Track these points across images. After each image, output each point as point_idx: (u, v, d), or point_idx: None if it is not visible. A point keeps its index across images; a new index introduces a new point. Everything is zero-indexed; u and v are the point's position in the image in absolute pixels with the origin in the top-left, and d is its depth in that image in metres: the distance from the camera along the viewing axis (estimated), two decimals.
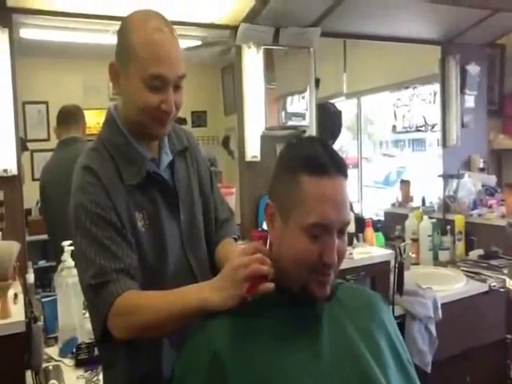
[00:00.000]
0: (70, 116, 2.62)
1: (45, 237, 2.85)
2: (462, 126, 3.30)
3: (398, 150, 3.92)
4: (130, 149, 1.22)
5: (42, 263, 2.75)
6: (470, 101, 3.33)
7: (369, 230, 2.64)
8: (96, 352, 1.70)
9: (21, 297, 1.64)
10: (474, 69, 3.30)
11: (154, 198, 1.22)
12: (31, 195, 3.00)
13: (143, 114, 1.17)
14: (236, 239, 1.43)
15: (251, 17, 2.48)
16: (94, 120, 3.37)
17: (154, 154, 1.26)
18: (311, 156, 1.01)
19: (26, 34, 2.43)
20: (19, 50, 2.24)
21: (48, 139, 3.28)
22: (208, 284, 1.08)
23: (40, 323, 1.63)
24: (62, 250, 1.88)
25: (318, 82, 2.90)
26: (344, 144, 3.81)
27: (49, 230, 2.49)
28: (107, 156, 1.20)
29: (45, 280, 2.32)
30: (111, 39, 2.31)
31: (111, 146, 1.21)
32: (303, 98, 2.86)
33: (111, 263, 1.10)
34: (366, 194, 3.77)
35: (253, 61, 2.62)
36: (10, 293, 1.57)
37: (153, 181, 1.22)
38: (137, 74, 1.14)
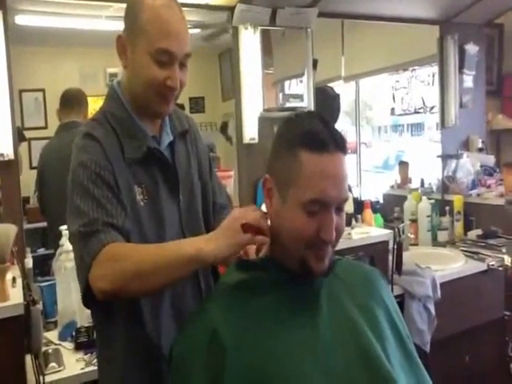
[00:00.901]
0: (72, 100, 2.61)
1: (44, 225, 2.85)
2: (461, 106, 3.29)
3: (396, 134, 3.91)
4: (133, 124, 1.22)
5: (41, 251, 2.75)
6: (468, 81, 3.31)
7: (367, 212, 2.64)
8: (95, 335, 1.72)
9: (19, 281, 1.64)
10: (472, 48, 3.28)
11: (153, 174, 1.22)
12: (29, 183, 2.99)
13: (148, 88, 1.17)
14: None
15: None
16: (91, 107, 3.33)
17: (155, 133, 1.26)
18: (311, 132, 1.00)
19: (21, 20, 2.42)
20: (15, 37, 2.23)
21: (45, 127, 3.26)
22: (204, 236, 1.09)
23: (39, 306, 1.63)
24: (59, 236, 1.88)
25: (315, 62, 2.88)
26: (343, 129, 3.79)
27: (46, 215, 2.48)
28: (109, 128, 1.20)
29: (44, 267, 2.32)
30: (105, 25, 2.33)
31: (114, 119, 1.21)
32: (301, 81, 2.85)
33: (103, 217, 1.08)
34: (365, 178, 3.76)
35: (250, 42, 2.60)
36: (9, 276, 1.57)
37: (153, 157, 1.22)
38: (144, 48, 1.15)
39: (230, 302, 1.02)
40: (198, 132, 1.43)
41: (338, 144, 1.00)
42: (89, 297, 1.07)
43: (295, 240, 1.00)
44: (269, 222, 1.06)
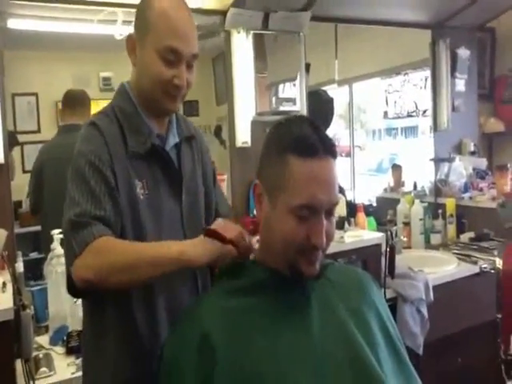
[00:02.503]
0: (75, 101, 2.63)
1: (36, 229, 2.84)
2: (453, 109, 3.30)
3: (390, 137, 3.92)
4: (139, 120, 1.24)
5: (34, 255, 2.74)
6: (460, 84, 3.33)
7: (360, 215, 2.64)
8: None
9: (9, 285, 1.63)
10: (464, 52, 3.29)
11: (155, 171, 1.23)
12: (22, 187, 2.98)
13: (155, 85, 1.20)
14: None
15: (240, 1, 2.46)
16: None
17: (161, 132, 1.28)
18: (300, 137, 1.00)
19: (13, 24, 2.41)
20: (8, 41, 2.23)
21: (38, 131, 3.25)
22: (191, 240, 1.12)
23: (29, 311, 1.63)
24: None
25: (308, 66, 2.89)
26: (337, 132, 3.80)
27: (41, 217, 2.48)
28: (115, 120, 1.23)
29: (36, 272, 2.31)
30: (97, 29, 2.33)
31: (121, 114, 1.24)
32: (294, 85, 2.86)
33: (96, 210, 1.11)
34: (359, 181, 3.77)
35: (242, 46, 2.60)
36: None
37: (156, 155, 1.24)
38: (152, 45, 1.18)
39: (220, 304, 1.02)
40: (206, 145, 1.45)
41: (328, 149, 1.00)
42: (72, 285, 1.11)
43: (285, 245, 1.00)
44: (253, 240, 1.11)
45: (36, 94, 3.28)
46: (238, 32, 2.57)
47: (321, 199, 0.98)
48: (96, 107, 3.36)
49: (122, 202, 1.17)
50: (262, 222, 1.07)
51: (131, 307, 1.18)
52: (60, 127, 2.60)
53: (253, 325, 0.98)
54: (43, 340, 1.81)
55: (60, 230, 1.76)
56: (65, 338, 1.74)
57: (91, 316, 1.25)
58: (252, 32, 2.61)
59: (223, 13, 2.52)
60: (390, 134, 3.91)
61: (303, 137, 0.99)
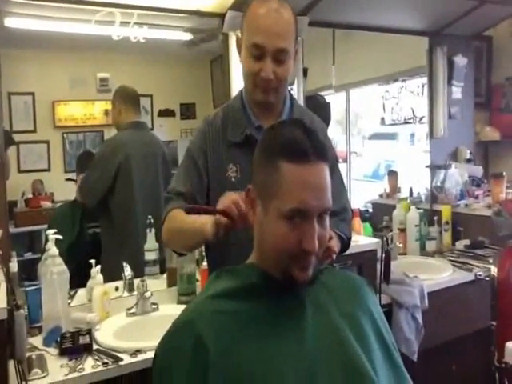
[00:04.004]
0: (136, 99, 2.69)
1: (31, 228, 2.83)
2: (450, 117, 3.31)
3: (387, 143, 3.94)
4: (242, 113, 1.48)
5: (28, 255, 2.72)
6: (457, 92, 3.34)
7: (356, 220, 2.64)
8: (81, 340, 1.70)
9: (3, 285, 1.61)
10: (461, 60, 3.30)
11: (249, 158, 1.24)
12: (18, 187, 2.97)
13: (248, 79, 1.42)
14: (342, 238, 1.47)
15: (238, 4, 2.46)
16: (81, 112, 3.33)
17: (267, 123, 1.42)
18: (291, 142, 0.99)
19: (11, 23, 2.41)
20: (5, 40, 2.22)
21: (34, 131, 3.24)
22: None
23: (23, 311, 1.61)
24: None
25: (305, 71, 2.89)
26: (333, 138, 3.80)
27: (111, 211, 2.49)
28: (221, 116, 1.50)
29: (31, 272, 2.30)
30: (95, 29, 2.32)
31: (230, 109, 1.51)
32: (291, 89, 2.86)
33: (178, 187, 1.46)
34: (355, 187, 3.77)
35: None
36: None
37: (251, 144, 1.34)
38: (245, 43, 1.39)
39: (214, 308, 1.01)
40: (327, 140, 1.60)
41: (319, 154, 0.99)
42: None
43: (278, 251, 1.00)
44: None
45: (32, 94, 3.27)
46: (236, 35, 2.57)
47: (312, 204, 0.97)
48: (93, 108, 3.36)
49: (212, 182, 1.46)
50: (255, 227, 1.07)
51: None
52: (128, 123, 2.63)
53: (245, 328, 0.98)
54: (36, 341, 1.79)
55: (54, 231, 1.79)
56: (58, 339, 1.73)
57: None
58: None
59: (221, 16, 2.52)
60: (387, 140, 3.93)
61: (294, 141, 0.99)
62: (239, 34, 1.47)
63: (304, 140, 0.99)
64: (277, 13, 1.36)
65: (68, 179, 2.78)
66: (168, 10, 2.41)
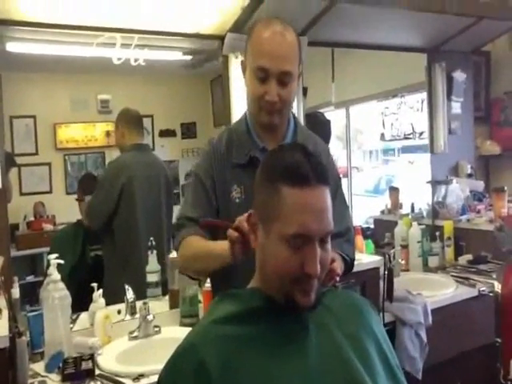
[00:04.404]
0: (139, 121, 2.73)
1: (33, 251, 2.83)
2: (450, 132, 3.31)
3: (387, 158, 3.94)
4: (246, 136, 1.50)
5: (30, 278, 2.73)
6: (456, 107, 3.35)
7: (358, 238, 2.63)
8: (83, 366, 1.69)
9: (5, 312, 1.61)
10: (460, 76, 3.32)
11: (253, 177, 1.24)
12: (19, 210, 2.99)
13: (253, 102, 1.44)
14: (345, 260, 1.48)
15: (238, 27, 2.48)
16: (82, 133, 3.37)
17: (271, 145, 1.44)
18: (292, 166, 1.00)
19: (12, 47, 2.43)
20: (6, 64, 2.24)
21: (36, 153, 3.27)
22: None
23: (25, 338, 1.61)
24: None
25: (305, 90, 2.91)
26: (334, 154, 3.81)
27: (115, 230, 2.51)
28: (226, 137, 1.52)
29: (33, 295, 2.29)
30: (96, 52, 2.34)
31: (234, 131, 1.53)
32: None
33: (189, 213, 1.47)
34: (356, 203, 3.77)
35: (240, 71, 2.61)
36: None
37: (255, 166, 1.30)
38: (250, 66, 1.41)
39: (217, 333, 1.00)
40: (331, 161, 1.62)
41: (320, 177, 1.00)
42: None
43: (280, 275, 1.00)
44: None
45: (34, 117, 3.30)
46: (236, 57, 2.58)
47: (313, 228, 0.97)
48: (94, 129, 3.39)
49: (219, 203, 1.48)
50: (257, 251, 1.07)
51: None
52: (131, 145, 2.65)
53: (248, 352, 0.97)
54: (38, 367, 1.77)
55: (56, 255, 1.78)
56: (60, 364, 1.72)
57: None
58: None
59: (221, 38, 2.54)
60: (387, 155, 3.94)
61: (295, 165, 0.99)
62: (243, 58, 1.49)
63: (304, 164, 0.99)
64: (281, 36, 1.38)
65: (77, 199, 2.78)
66: (168, 33, 2.44)
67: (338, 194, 1.54)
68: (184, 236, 1.44)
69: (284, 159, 1.02)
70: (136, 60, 2.39)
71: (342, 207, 1.55)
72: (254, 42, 1.41)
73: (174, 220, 1.54)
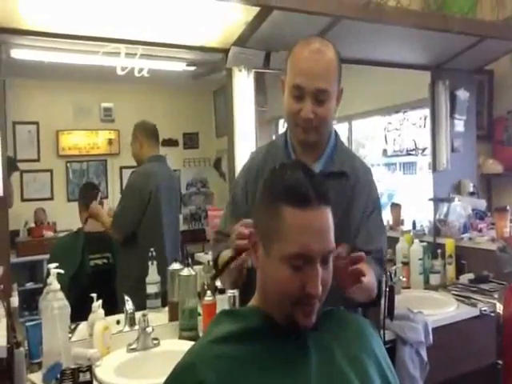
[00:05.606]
0: (157, 134, 2.80)
1: (33, 258, 2.81)
2: (452, 150, 3.31)
3: (389, 172, 3.93)
4: (282, 149, 1.55)
5: (30, 285, 2.71)
6: (459, 125, 3.35)
7: None
8: (81, 377, 1.67)
9: (3, 321, 1.59)
10: (463, 94, 3.32)
11: None
12: (20, 216, 2.97)
13: (289, 119, 1.47)
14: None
15: (242, 40, 2.49)
16: (85, 141, 3.36)
17: (308, 160, 1.44)
18: (293, 186, 0.99)
19: (16, 54, 2.43)
20: (10, 70, 2.24)
21: (38, 160, 3.26)
22: None
23: (23, 349, 1.59)
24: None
25: None
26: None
27: (139, 239, 2.54)
28: (265, 149, 1.62)
29: (32, 302, 2.28)
30: (102, 60, 2.35)
31: (272, 144, 1.62)
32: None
33: (226, 228, 1.51)
34: None
35: (244, 84, 2.62)
36: None
37: None
38: (288, 84, 1.44)
39: (216, 352, 0.99)
40: (370, 185, 1.58)
41: (321, 198, 0.99)
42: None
43: (281, 295, 0.99)
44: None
45: (37, 123, 3.30)
46: (240, 70, 2.59)
47: (314, 248, 0.97)
48: (96, 137, 3.39)
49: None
50: (258, 270, 1.07)
51: None
52: (151, 156, 2.73)
53: (247, 373, 0.96)
54: (36, 377, 1.75)
55: (56, 265, 1.76)
56: (58, 376, 1.69)
57: None
58: (253, 70, 2.63)
59: (225, 51, 2.55)
60: (389, 169, 3.92)
61: (296, 186, 0.99)
62: (283, 76, 1.50)
63: (305, 184, 0.99)
64: (319, 53, 1.40)
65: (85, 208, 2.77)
66: (173, 45, 2.46)
67: (372, 216, 1.52)
68: (220, 251, 1.50)
69: (285, 179, 1.02)
70: (140, 71, 2.40)
71: (374, 229, 1.52)
72: (293, 61, 1.44)
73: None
